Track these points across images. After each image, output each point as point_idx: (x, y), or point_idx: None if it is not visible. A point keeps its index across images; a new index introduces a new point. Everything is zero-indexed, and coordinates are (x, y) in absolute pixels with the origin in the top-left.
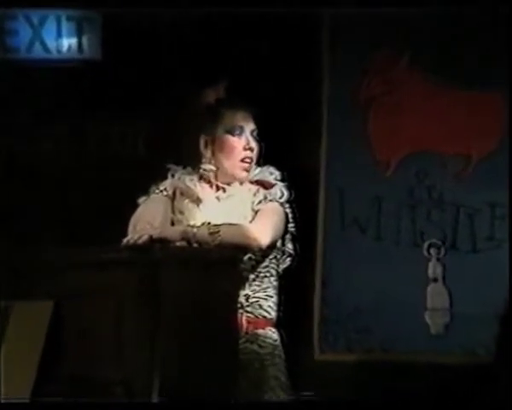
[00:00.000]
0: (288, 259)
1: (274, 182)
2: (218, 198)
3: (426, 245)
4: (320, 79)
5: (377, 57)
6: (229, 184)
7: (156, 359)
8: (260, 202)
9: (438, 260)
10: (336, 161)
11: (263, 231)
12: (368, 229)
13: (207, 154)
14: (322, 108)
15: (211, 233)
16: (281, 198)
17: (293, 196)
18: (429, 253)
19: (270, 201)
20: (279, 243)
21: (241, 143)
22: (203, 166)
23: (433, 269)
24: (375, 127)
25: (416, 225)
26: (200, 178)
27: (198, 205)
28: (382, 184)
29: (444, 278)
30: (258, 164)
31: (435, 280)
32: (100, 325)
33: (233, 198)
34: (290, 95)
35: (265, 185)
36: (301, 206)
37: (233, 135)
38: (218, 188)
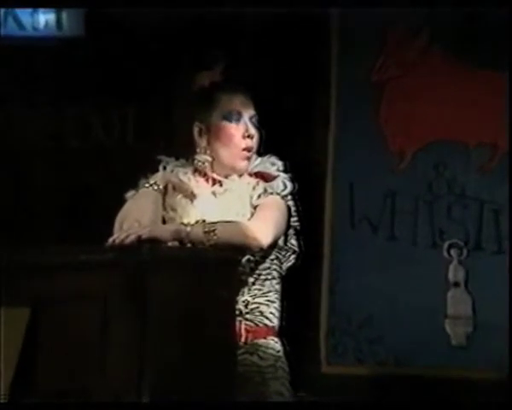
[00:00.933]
0: (292, 256)
1: (276, 174)
2: (214, 193)
3: (446, 246)
4: (327, 60)
5: (391, 36)
6: (226, 177)
7: (144, 371)
8: (259, 196)
9: (459, 262)
10: (345, 152)
11: (263, 228)
12: (380, 227)
13: (202, 143)
14: (330, 93)
15: (206, 232)
16: (283, 191)
17: (296, 188)
18: (450, 254)
19: (271, 194)
20: (281, 241)
21: (240, 130)
22: (198, 156)
23: (454, 272)
24: (389, 113)
25: (435, 224)
26: (195, 171)
27: (192, 201)
28: (397, 177)
29: (466, 282)
30: (259, 154)
31: (456, 285)
32: (82, 333)
33: (230, 193)
34: (294, 78)
35: (266, 177)
36: (306, 201)
37: (230, 121)
38: (214, 182)
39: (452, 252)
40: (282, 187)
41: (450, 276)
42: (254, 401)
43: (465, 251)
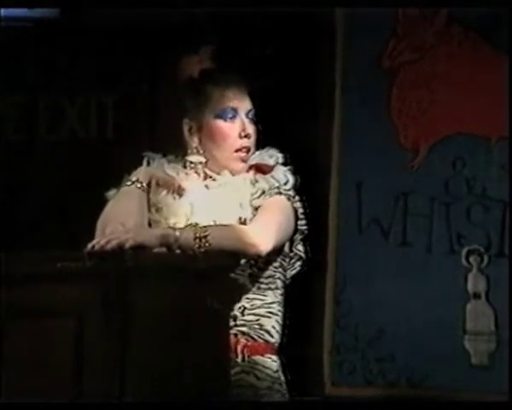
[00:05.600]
0: (298, 263)
1: (273, 164)
2: (206, 186)
3: (465, 252)
4: (332, 44)
5: (404, 16)
6: (219, 174)
7: (126, 393)
8: (261, 195)
9: (480, 270)
10: (352, 146)
11: (263, 234)
12: (391, 232)
13: (193, 142)
14: (335, 80)
15: (197, 238)
16: (285, 185)
17: (299, 182)
18: (469, 262)
19: (276, 194)
20: (287, 247)
21: (236, 129)
22: (189, 157)
23: (474, 282)
24: (402, 103)
25: (453, 228)
26: (185, 166)
27: (180, 196)
28: (410, 175)
29: (487, 293)
30: (257, 148)
31: (477, 296)
32: (56, 350)
33: (225, 186)
34: (294, 62)
35: (264, 170)
36: (308, 201)
37: (225, 120)
38: (205, 176)
39: (472, 259)
40: (283, 179)
41: (470, 286)
42: (252, 401)
43: (486, 258)
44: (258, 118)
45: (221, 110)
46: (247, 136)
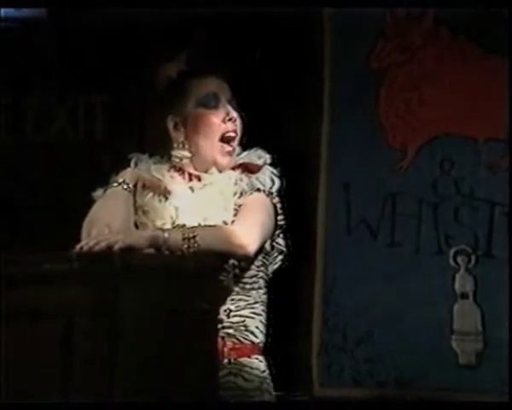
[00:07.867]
0: (279, 258)
1: (261, 164)
2: (191, 188)
3: (452, 252)
4: (320, 45)
5: (392, 17)
6: (206, 172)
7: (115, 394)
8: (242, 193)
9: (467, 270)
10: (340, 148)
11: (249, 234)
12: (379, 233)
13: (179, 137)
14: (323, 81)
15: (186, 239)
16: (271, 188)
17: (285, 185)
18: (457, 262)
19: (257, 190)
20: (268, 245)
21: (220, 114)
22: (175, 152)
23: (462, 282)
24: (390, 104)
25: (440, 228)
26: (171, 167)
27: (166, 199)
28: (398, 176)
29: (475, 293)
30: (244, 147)
31: (464, 296)
32: (44, 352)
33: (211, 187)
34: (283, 64)
35: (251, 169)
36: (297, 202)
37: (208, 107)
38: (190, 177)
39: (459, 260)
40: (269, 183)
41: (457, 286)
42: (249, 402)
43: (474, 259)
44: (247, 118)
45: (202, 97)
46: (231, 119)
